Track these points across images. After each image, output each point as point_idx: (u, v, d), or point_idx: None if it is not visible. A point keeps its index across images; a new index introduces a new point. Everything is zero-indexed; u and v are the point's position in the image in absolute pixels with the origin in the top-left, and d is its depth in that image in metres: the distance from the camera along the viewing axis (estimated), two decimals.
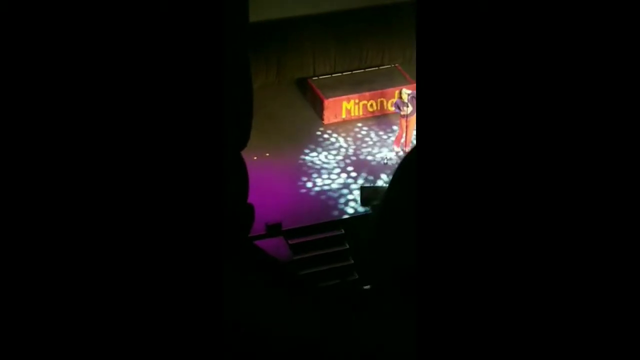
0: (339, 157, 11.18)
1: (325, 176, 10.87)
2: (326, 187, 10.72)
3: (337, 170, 10.95)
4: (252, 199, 4.44)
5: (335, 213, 10.30)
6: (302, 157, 11.02)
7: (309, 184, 10.67)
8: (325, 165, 10.98)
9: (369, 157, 11.12)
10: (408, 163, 2.63)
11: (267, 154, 10.84)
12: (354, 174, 10.81)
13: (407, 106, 10.59)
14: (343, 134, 11.49)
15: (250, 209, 4.19)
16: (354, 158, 11.12)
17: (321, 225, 10.21)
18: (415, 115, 11.15)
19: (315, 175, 10.80)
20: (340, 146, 11.30)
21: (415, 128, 11.31)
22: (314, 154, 11.15)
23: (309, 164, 10.92)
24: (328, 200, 10.50)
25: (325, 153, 11.25)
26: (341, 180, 10.83)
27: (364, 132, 11.52)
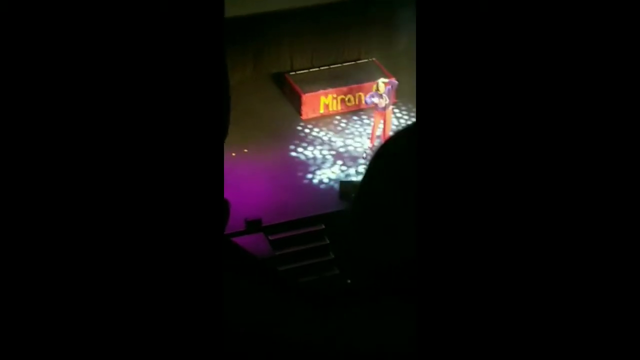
0: (323, 151, 11.17)
1: (308, 171, 10.86)
2: (307, 182, 10.72)
3: (320, 165, 10.96)
4: (231, 195, 4.43)
5: (318, 208, 10.26)
6: (282, 152, 11.00)
7: (291, 179, 10.65)
8: (307, 160, 10.98)
9: (349, 148, 11.11)
10: (381, 155, 2.58)
11: (246, 150, 10.82)
12: (337, 168, 10.81)
13: (383, 98, 10.55)
14: (324, 129, 11.49)
15: (225, 204, 4.18)
16: (334, 152, 11.12)
17: (302, 220, 10.20)
18: (390, 108, 11.23)
19: (296, 171, 10.78)
20: (322, 140, 11.31)
21: (390, 122, 11.45)
22: (295, 149, 11.14)
23: (290, 159, 10.91)
24: (310, 195, 10.49)
25: (309, 147, 11.24)
26: (324, 175, 10.83)
27: (342, 125, 11.55)
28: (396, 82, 10.97)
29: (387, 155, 2.52)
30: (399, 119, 11.55)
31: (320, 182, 10.69)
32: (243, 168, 10.53)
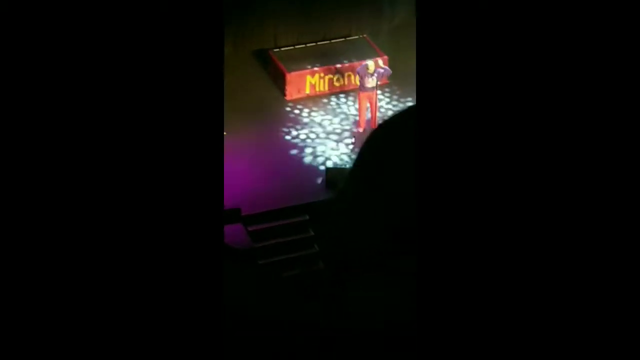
0: (309, 135, 10.88)
1: (292, 156, 10.58)
2: (290, 168, 10.40)
3: (305, 150, 10.67)
4: None
5: (302, 197, 9.94)
6: (264, 135, 10.68)
7: (273, 165, 10.32)
8: (291, 144, 10.69)
9: (337, 132, 10.80)
10: (373, 142, 2.61)
11: (225, 133, 10.23)
12: (323, 154, 10.53)
13: (371, 78, 10.19)
14: (310, 110, 11.15)
15: None
16: (319, 136, 10.79)
17: (284, 210, 9.84)
18: (376, 90, 10.84)
19: (279, 156, 10.48)
20: (308, 123, 11.00)
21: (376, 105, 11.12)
22: (279, 131, 10.84)
23: (273, 143, 10.61)
24: (294, 182, 10.19)
25: (293, 130, 10.98)
26: (309, 161, 10.56)
27: (330, 107, 11.17)
28: (390, 70, 10.71)
29: (379, 143, 2.53)
30: (392, 101, 11.21)
31: (305, 168, 10.34)
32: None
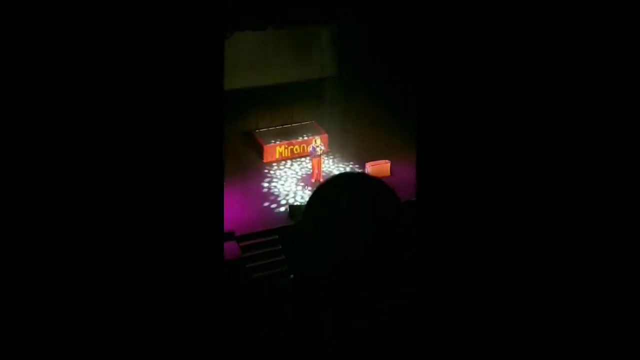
0: (278, 184, 14.53)
1: (267, 197, 14.02)
2: (266, 205, 13.80)
3: (276, 193, 14.18)
4: None
5: (274, 224, 13.14)
6: (249, 184, 14.18)
7: (255, 203, 13.76)
8: (267, 190, 14.28)
9: (296, 182, 14.41)
10: (320, 189, 2.48)
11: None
12: (288, 195, 14.02)
13: (318, 149, 14.49)
14: (279, 169, 15.11)
15: None
16: (285, 184, 14.51)
17: (262, 232, 13.15)
18: (322, 157, 14.86)
19: (259, 197, 13.99)
20: (277, 176, 14.75)
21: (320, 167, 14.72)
22: (259, 182, 14.42)
23: (255, 189, 14.11)
24: (269, 214, 13.47)
25: (267, 181, 14.51)
26: (279, 200, 13.94)
27: (291, 167, 15.27)
28: (324, 148, 14.62)
29: (323, 193, 2.43)
30: (333, 163, 15.36)
31: (276, 205, 13.93)
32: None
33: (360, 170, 14.97)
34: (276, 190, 14.60)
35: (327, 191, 2.38)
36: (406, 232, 2.24)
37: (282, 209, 14.08)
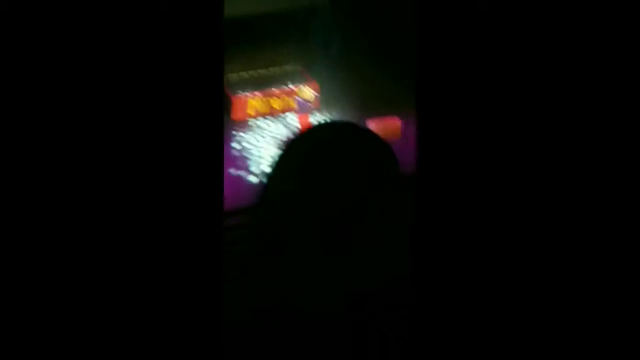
0: (252, 150, 11.65)
1: (239, 167, 11.11)
2: (237, 178, 11.21)
3: (250, 162, 11.36)
4: None
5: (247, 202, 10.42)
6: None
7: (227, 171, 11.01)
8: (237, 158, 11.30)
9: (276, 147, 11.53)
10: (289, 150, 2.52)
11: None
12: (266, 165, 11.21)
13: (307, 104, 11.17)
14: (252, 129, 11.99)
15: None
16: (262, 150, 11.69)
17: (232, 212, 10.53)
18: (309, 113, 11.91)
19: (227, 168, 11.15)
20: (250, 140, 11.79)
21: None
22: (228, 144, 11.38)
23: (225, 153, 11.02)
24: (243, 187, 10.84)
25: (238, 146, 11.66)
26: (254, 171, 11.20)
27: (270, 126, 12.19)
28: (314, 98, 11.70)
29: (293, 154, 2.47)
30: (322, 120, 12.26)
31: (251, 177, 11.20)
32: None
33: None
34: (249, 157, 11.17)
35: (297, 153, 2.29)
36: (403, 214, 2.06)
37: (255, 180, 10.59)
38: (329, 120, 12.00)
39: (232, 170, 11.14)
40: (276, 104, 12.13)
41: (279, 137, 11.81)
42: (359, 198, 2.19)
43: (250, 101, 12.17)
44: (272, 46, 12.59)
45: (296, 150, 2.52)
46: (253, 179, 11.14)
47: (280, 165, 2.64)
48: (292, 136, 2.66)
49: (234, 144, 11.52)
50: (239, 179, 11.12)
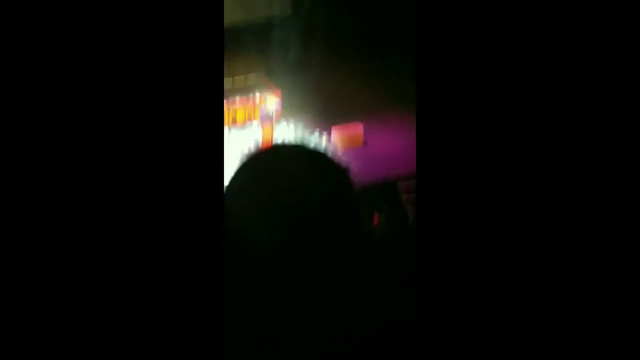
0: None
1: None
2: None
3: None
4: None
5: None
6: None
7: None
8: None
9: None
10: (248, 160, 2.46)
11: None
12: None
13: (270, 113, 11.27)
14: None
15: None
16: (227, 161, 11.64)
17: None
18: (272, 124, 11.88)
19: None
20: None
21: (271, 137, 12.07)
22: None
23: None
24: None
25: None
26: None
27: (233, 135, 12.18)
28: (277, 108, 11.61)
29: (242, 178, 2.31)
30: (288, 129, 11.97)
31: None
32: None
33: (310, 139, 11.59)
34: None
35: (252, 171, 2.15)
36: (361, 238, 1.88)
37: None
38: (287, 140, 12.08)
39: None
40: (240, 113, 12.19)
41: (243, 147, 11.89)
42: (309, 223, 2.04)
43: None
44: (234, 56, 12.74)
45: (251, 168, 2.39)
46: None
47: (234, 183, 2.47)
48: (250, 152, 2.57)
49: None
50: None
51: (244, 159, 2.38)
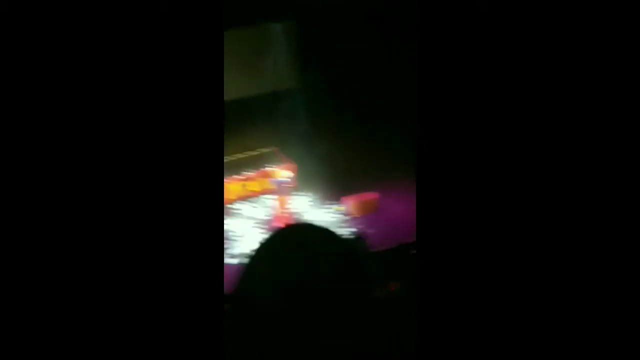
0: (232, 233, 11.40)
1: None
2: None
3: (232, 244, 11.13)
4: None
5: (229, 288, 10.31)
6: None
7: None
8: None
9: (255, 228, 11.34)
10: (271, 238, 2.28)
11: None
12: (247, 247, 10.81)
13: (283, 185, 11.33)
14: (231, 212, 12.01)
15: None
16: (242, 233, 11.38)
17: None
18: (288, 194, 11.99)
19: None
20: (230, 222, 11.62)
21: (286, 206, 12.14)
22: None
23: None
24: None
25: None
26: (234, 252, 10.94)
27: (247, 208, 12.16)
28: (292, 179, 11.68)
29: (271, 244, 2.26)
30: (300, 199, 12.14)
31: (232, 260, 10.51)
32: None
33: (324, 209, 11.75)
34: (231, 244, 11.25)
35: (274, 249, 2.11)
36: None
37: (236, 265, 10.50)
38: (302, 210, 11.99)
39: None
40: (254, 186, 12.39)
41: (258, 219, 11.99)
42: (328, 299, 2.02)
43: (229, 186, 12.36)
44: (247, 130, 12.95)
45: (274, 245, 2.32)
46: (234, 262, 11.17)
47: (257, 257, 2.40)
48: (273, 230, 2.55)
49: None
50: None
51: (264, 239, 2.31)
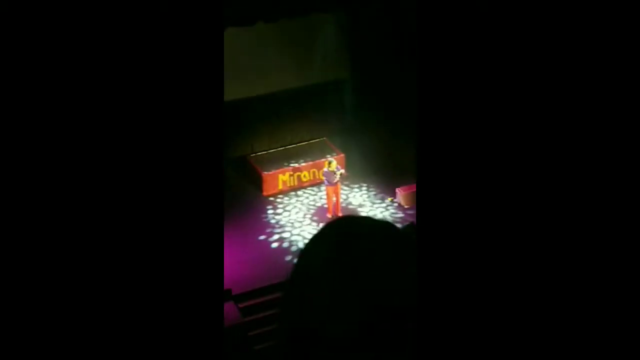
0: (285, 224, 11.56)
1: (273, 242, 11.19)
2: (272, 252, 11.04)
3: (284, 236, 11.35)
4: None
5: (279, 276, 10.17)
6: (247, 227, 11.35)
7: (256, 250, 10.98)
8: (271, 233, 11.35)
9: (307, 219, 11.58)
10: (325, 231, 2.54)
11: None
12: (298, 239, 11.18)
13: (334, 175, 11.30)
14: (283, 203, 12.12)
15: None
16: (293, 224, 11.57)
17: (267, 288, 10.41)
18: (339, 184, 12.01)
19: (261, 243, 11.15)
20: (281, 214, 11.79)
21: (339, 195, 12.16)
22: (259, 223, 11.51)
23: (255, 232, 11.25)
24: (276, 264, 10.72)
25: (271, 221, 11.59)
26: (285, 245, 11.15)
27: (299, 199, 12.28)
28: (344, 171, 11.63)
29: (323, 239, 2.09)
30: (351, 191, 12.35)
31: (283, 251, 11.05)
32: None
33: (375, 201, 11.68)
34: (282, 233, 11.43)
35: (316, 251, 1.99)
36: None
37: (290, 257, 10.78)
38: (362, 193, 11.87)
39: (266, 250, 11.11)
40: (305, 177, 12.59)
41: (309, 210, 12.06)
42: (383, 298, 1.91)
43: (280, 176, 12.56)
44: (297, 121, 13.00)
45: (329, 238, 2.19)
46: (285, 254, 11.21)
47: (311, 249, 2.26)
48: (326, 222, 2.51)
49: (267, 220, 11.73)
50: (273, 258, 11.07)
51: (317, 234, 2.30)
